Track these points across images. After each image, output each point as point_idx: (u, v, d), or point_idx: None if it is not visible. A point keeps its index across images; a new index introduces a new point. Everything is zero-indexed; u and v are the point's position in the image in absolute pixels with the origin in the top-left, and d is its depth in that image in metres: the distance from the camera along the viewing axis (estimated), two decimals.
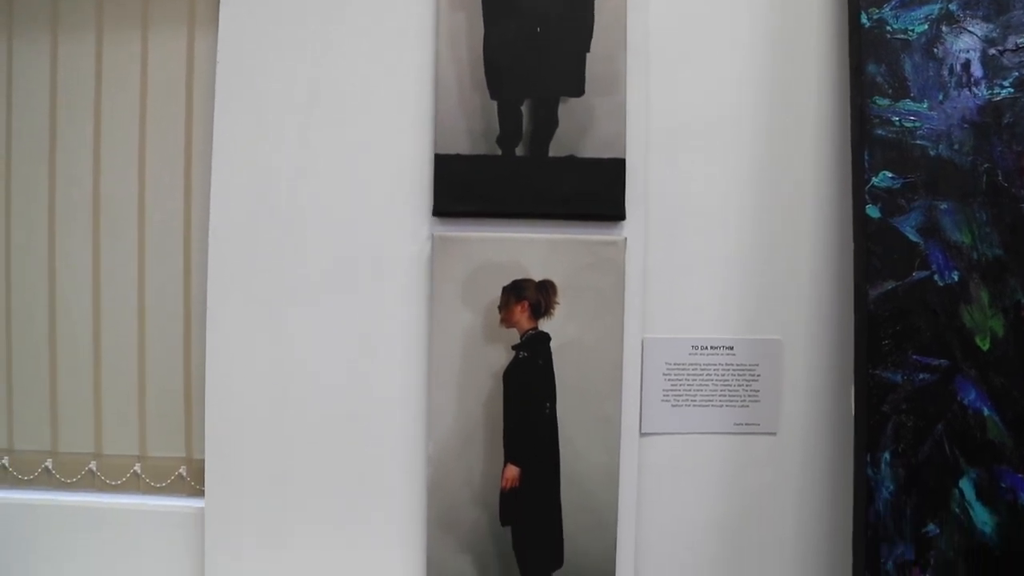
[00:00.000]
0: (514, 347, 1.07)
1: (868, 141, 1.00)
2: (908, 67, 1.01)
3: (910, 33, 1.01)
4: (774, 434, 1.11)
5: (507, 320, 1.07)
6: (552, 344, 1.07)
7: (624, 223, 1.08)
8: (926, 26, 1.01)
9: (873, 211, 1.00)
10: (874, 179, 1.00)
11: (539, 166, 1.07)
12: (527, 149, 1.07)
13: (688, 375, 1.10)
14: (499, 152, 1.07)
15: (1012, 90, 1.00)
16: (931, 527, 0.97)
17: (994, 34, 1.01)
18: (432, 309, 1.08)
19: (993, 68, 1.01)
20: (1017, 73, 1.00)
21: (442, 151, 1.08)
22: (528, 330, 1.07)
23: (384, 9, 1.10)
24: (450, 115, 1.08)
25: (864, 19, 1.02)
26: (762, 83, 1.10)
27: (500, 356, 1.07)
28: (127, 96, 1.19)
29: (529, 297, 1.07)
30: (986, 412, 0.97)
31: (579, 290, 1.07)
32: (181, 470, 1.20)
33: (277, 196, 1.11)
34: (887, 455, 0.97)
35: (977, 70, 1.01)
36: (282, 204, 1.11)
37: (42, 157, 1.21)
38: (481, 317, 1.07)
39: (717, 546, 1.11)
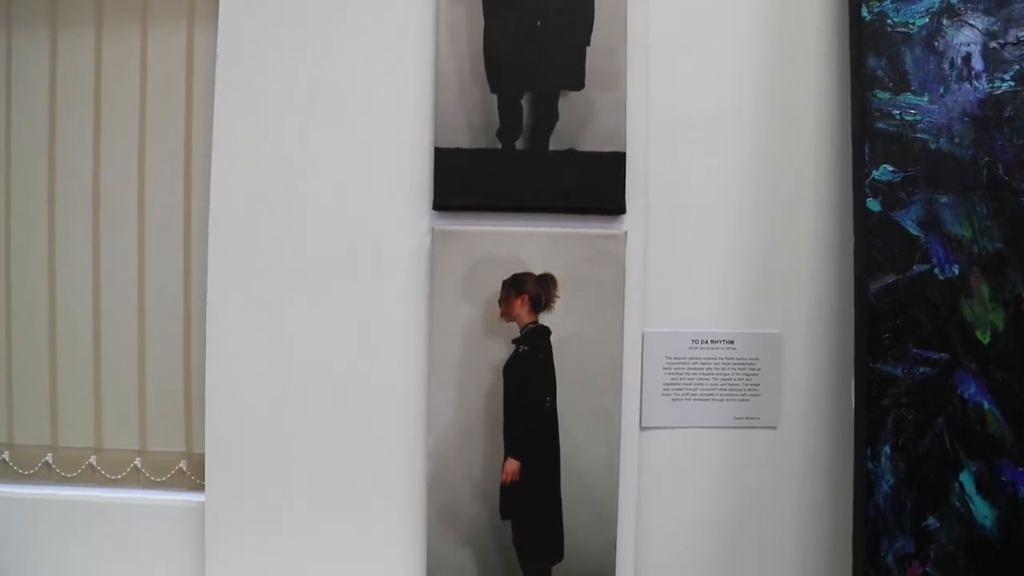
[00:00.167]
0: (514, 341, 1.07)
1: (869, 134, 1.00)
2: (909, 60, 1.01)
3: (911, 26, 1.01)
4: (774, 428, 1.11)
5: (507, 314, 1.07)
6: (552, 338, 1.07)
7: (624, 217, 1.08)
8: (927, 19, 1.01)
9: (874, 204, 1.00)
10: (875, 173, 1.00)
11: (539, 160, 1.07)
12: (527, 143, 1.07)
13: (688, 369, 1.10)
14: (499, 146, 1.07)
15: (1013, 83, 1.00)
16: (931, 521, 0.97)
17: (995, 27, 1.01)
18: (432, 303, 1.08)
19: (994, 61, 1.01)
20: (1018, 66, 1.00)
21: (442, 145, 1.08)
22: (528, 324, 1.07)
23: (384, 3, 1.10)
24: (450, 109, 1.08)
25: (865, 12, 1.02)
26: (762, 77, 1.10)
27: (500, 350, 1.07)
28: (127, 91, 1.19)
29: (529, 291, 1.07)
30: (986, 406, 0.97)
31: (579, 284, 1.07)
32: (181, 464, 1.20)
33: (277, 191, 1.11)
34: (887, 449, 0.97)
35: (978, 63, 1.01)
36: (282, 199, 1.11)
37: (42, 152, 1.20)
38: (481, 311, 1.07)
39: (717, 540, 1.11)
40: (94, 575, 1.17)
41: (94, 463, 1.21)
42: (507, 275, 1.07)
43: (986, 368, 0.98)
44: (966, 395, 0.98)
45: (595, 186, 1.07)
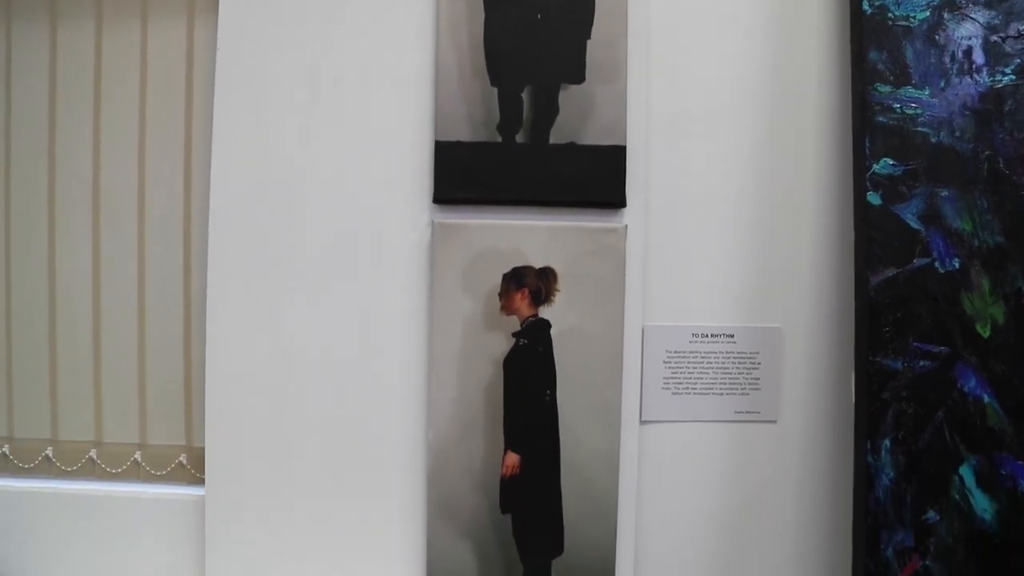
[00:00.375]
0: (514, 334, 1.07)
1: (869, 128, 1.00)
2: (910, 54, 1.01)
3: (912, 20, 1.01)
4: (774, 422, 1.11)
5: (507, 307, 1.07)
6: (552, 331, 1.07)
7: (624, 210, 1.08)
8: (928, 13, 1.01)
9: (874, 198, 1.00)
10: (875, 166, 1.00)
11: (539, 153, 1.07)
12: (527, 136, 1.07)
13: (688, 363, 1.10)
14: (499, 139, 1.07)
15: (1014, 77, 1.00)
16: (931, 514, 0.97)
17: (996, 21, 1.01)
18: (432, 297, 1.08)
19: (995, 55, 1.00)
20: (1019, 60, 1.00)
21: (442, 138, 1.08)
22: (528, 317, 1.07)
23: None
24: (450, 102, 1.07)
25: (866, 6, 1.02)
26: (763, 71, 1.10)
27: (500, 343, 1.07)
28: (127, 85, 1.19)
29: (529, 284, 1.07)
30: (986, 399, 0.97)
31: (579, 277, 1.07)
32: (181, 458, 1.20)
33: (277, 185, 1.11)
34: (887, 442, 0.97)
35: (979, 57, 1.01)
36: (282, 193, 1.11)
37: (41, 147, 1.20)
38: (481, 304, 1.07)
39: (717, 534, 1.11)
40: (94, 569, 1.17)
41: (94, 457, 1.21)
42: (507, 268, 1.07)
43: (986, 362, 0.98)
44: (966, 389, 0.98)
45: (595, 179, 1.07)
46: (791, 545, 1.11)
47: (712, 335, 1.10)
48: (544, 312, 1.07)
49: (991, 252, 0.99)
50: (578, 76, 1.07)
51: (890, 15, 1.01)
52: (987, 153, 0.99)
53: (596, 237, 1.07)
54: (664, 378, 1.10)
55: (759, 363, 1.10)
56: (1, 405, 1.22)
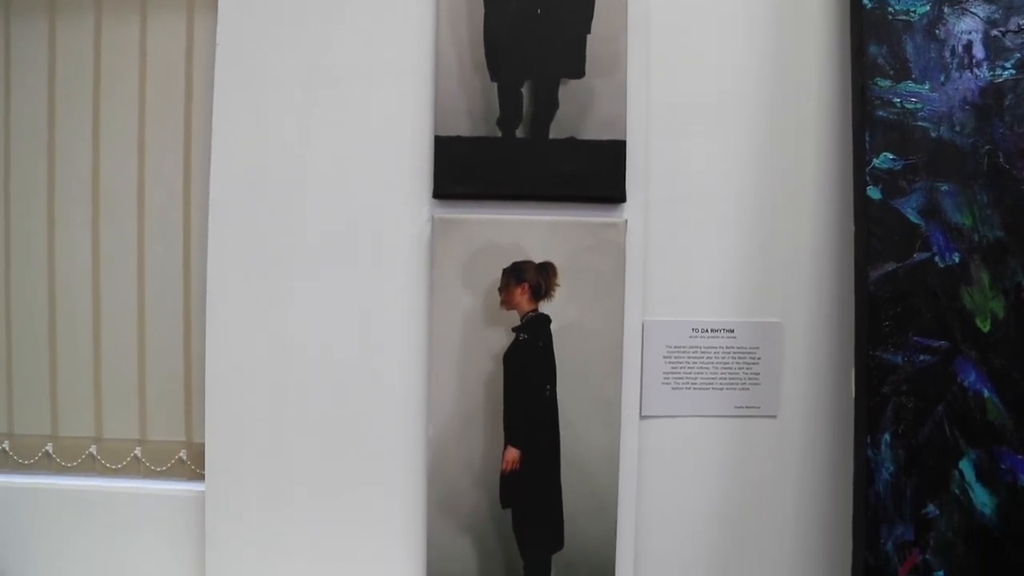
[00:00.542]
0: (514, 329, 1.07)
1: (869, 122, 1.00)
2: (910, 48, 1.01)
3: (912, 14, 1.01)
4: (774, 417, 1.11)
5: (507, 302, 1.07)
6: (552, 326, 1.07)
7: (625, 205, 1.08)
8: (928, 7, 1.01)
9: (874, 193, 1.00)
10: (875, 161, 1.00)
11: (539, 148, 1.07)
12: (527, 131, 1.07)
13: (688, 358, 1.10)
14: (499, 134, 1.07)
15: (1014, 71, 1.00)
16: (931, 508, 0.97)
17: (996, 15, 1.01)
18: (432, 291, 1.08)
19: (995, 49, 1.00)
20: (1019, 54, 1.00)
21: (442, 133, 1.07)
22: (528, 312, 1.07)
23: None
24: (450, 97, 1.07)
25: (866, 0, 1.01)
26: (763, 65, 1.10)
27: (500, 338, 1.07)
28: (126, 79, 1.19)
29: (529, 279, 1.07)
30: (986, 393, 0.98)
31: (579, 272, 1.07)
32: (181, 454, 1.20)
33: (277, 180, 1.11)
34: (887, 436, 0.98)
35: (979, 51, 1.01)
36: (282, 187, 1.11)
37: (41, 144, 1.20)
38: (481, 299, 1.07)
39: (717, 528, 1.11)
40: (94, 565, 1.17)
41: (94, 452, 1.21)
42: (507, 263, 1.07)
43: (986, 356, 0.98)
44: (966, 383, 0.98)
45: (595, 174, 1.07)
46: (791, 539, 1.11)
47: (712, 330, 1.10)
48: (544, 307, 1.07)
49: (991, 246, 0.99)
50: (578, 70, 1.07)
51: (890, 9, 1.01)
52: (987, 148, 0.99)
53: (596, 232, 1.07)
54: (664, 373, 1.10)
55: (759, 358, 1.10)
56: (1, 401, 1.22)
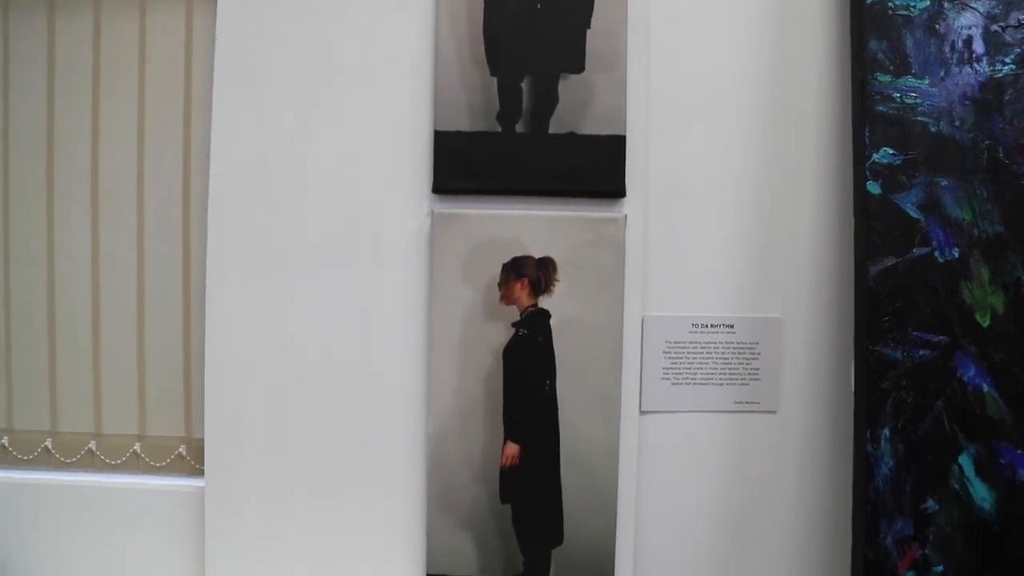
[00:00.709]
0: (514, 324, 1.07)
1: (869, 117, 1.00)
2: (910, 43, 1.01)
3: (912, 9, 1.01)
4: (774, 412, 1.11)
5: (507, 297, 1.07)
6: (552, 321, 1.07)
7: (624, 200, 1.08)
8: (928, 2, 1.01)
9: (874, 187, 1.00)
10: (875, 155, 1.00)
11: (539, 143, 1.07)
12: (527, 126, 1.07)
13: (688, 353, 1.10)
14: (499, 129, 1.07)
15: (1014, 67, 1.00)
16: (930, 503, 0.97)
17: (996, 10, 1.01)
18: (432, 287, 1.08)
19: (995, 44, 1.00)
20: (1019, 49, 1.00)
21: (442, 128, 1.07)
22: (528, 307, 1.07)
23: None
24: (450, 92, 1.07)
25: None
26: (763, 61, 1.10)
27: (500, 333, 1.07)
28: (125, 73, 1.19)
29: (529, 274, 1.07)
30: (985, 388, 0.98)
31: (579, 267, 1.07)
32: (181, 449, 1.20)
33: (276, 175, 1.11)
34: (887, 431, 0.98)
35: (979, 46, 1.01)
36: (281, 182, 1.11)
37: (40, 139, 1.20)
38: (481, 294, 1.07)
39: (717, 523, 1.11)
40: (94, 560, 1.17)
41: (94, 448, 1.20)
42: (507, 258, 1.07)
43: (985, 351, 0.98)
44: (965, 378, 0.98)
45: (595, 169, 1.07)
46: (791, 534, 1.11)
47: (712, 325, 1.10)
48: (544, 302, 1.07)
49: (991, 242, 0.99)
50: (578, 65, 1.07)
51: (890, 4, 1.01)
52: (987, 143, 0.99)
53: (596, 227, 1.07)
54: (664, 368, 1.10)
55: (759, 353, 1.10)
56: (1, 397, 1.22)
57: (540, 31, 1.07)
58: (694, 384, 1.10)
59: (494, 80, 1.07)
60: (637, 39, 1.08)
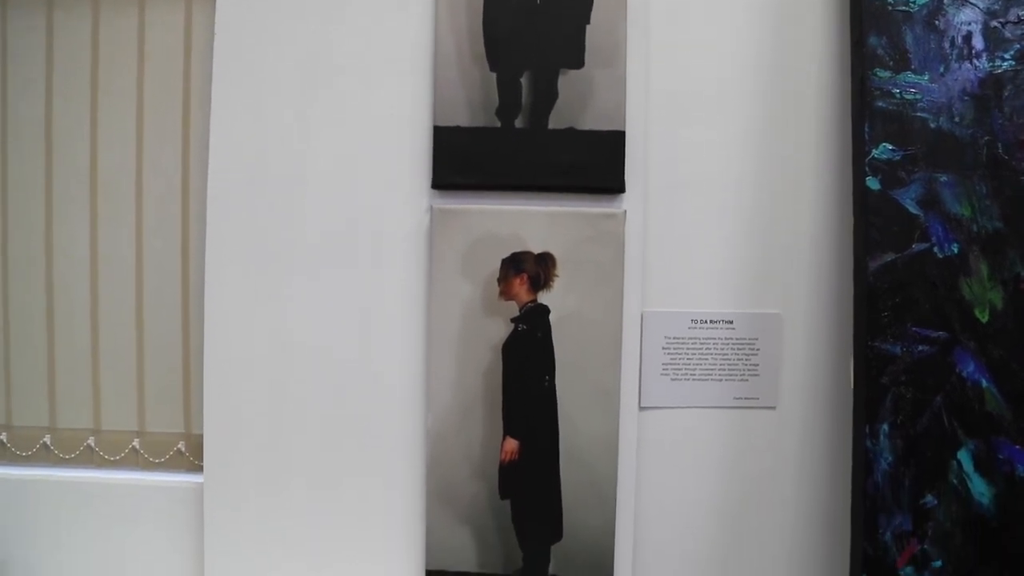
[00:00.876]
0: (513, 320, 1.07)
1: (869, 113, 1.00)
2: (909, 39, 1.01)
3: (912, 5, 1.01)
4: (774, 408, 1.11)
5: (506, 293, 1.07)
6: (551, 317, 1.07)
7: (624, 196, 1.08)
8: None
9: (873, 183, 1.00)
10: (874, 151, 1.00)
11: (538, 138, 1.07)
12: (526, 121, 1.07)
13: (687, 349, 1.10)
14: (498, 124, 1.07)
15: (1013, 62, 1.00)
16: (929, 498, 0.97)
17: (996, 6, 1.01)
18: (431, 282, 1.08)
19: (994, 40, 1.00)
20: (1019, 45, 1.00)
21: (441, 123, 1.07)
22: (527, 303, 1.07)
23: None
24: (449, 87, 1.07)
25: None
26: (763, 56, 1.10)
27: (499, 329, 1.07)
28: (124, 72, 1.19)
29: (528, 270, 1.07)
30: (984, 384, 0.98)
31: (578, 263, 1.07)
32: (180, 445, 1.20)
33: (275, 170, 1.11)
34: (886, 427, 0.98)
35: (978, 42, 1.00)
36: (280, 178, 1.11)
37: (39, 136, 1.20)
38: (480, 290, 1.07)
39: (716, 519, 1.12)
40: (93, 556, 1.17)
41: (92, 444, 1.20)
42: (506, 254, 1.07)
43: (984, 346, 0.98)
44: (964, 373, 0.98)
45: (595, 165, 1.07)
46: (790, 530, 1.11)
47: (711, 321, 1.10)
48: (543, 298, 1.07)
49: (990, 237, 0.99)
50: (577, 61, 1.07)
51: (890, 0, 1.01)
52: (986, 138, 0.99)
53: (595, 222, 1.07)
54: (663, 364, 1.10)
55: (758, 349, 1.10)
56: None
57: (539, 26, 1.07)
58: (693, 380, 1.10)
59: (493, 75, 1.07)
60: (636, 35, 1.08)
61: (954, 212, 0.99)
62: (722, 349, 1.10)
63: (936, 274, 0.99)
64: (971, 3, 1.01)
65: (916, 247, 0.99)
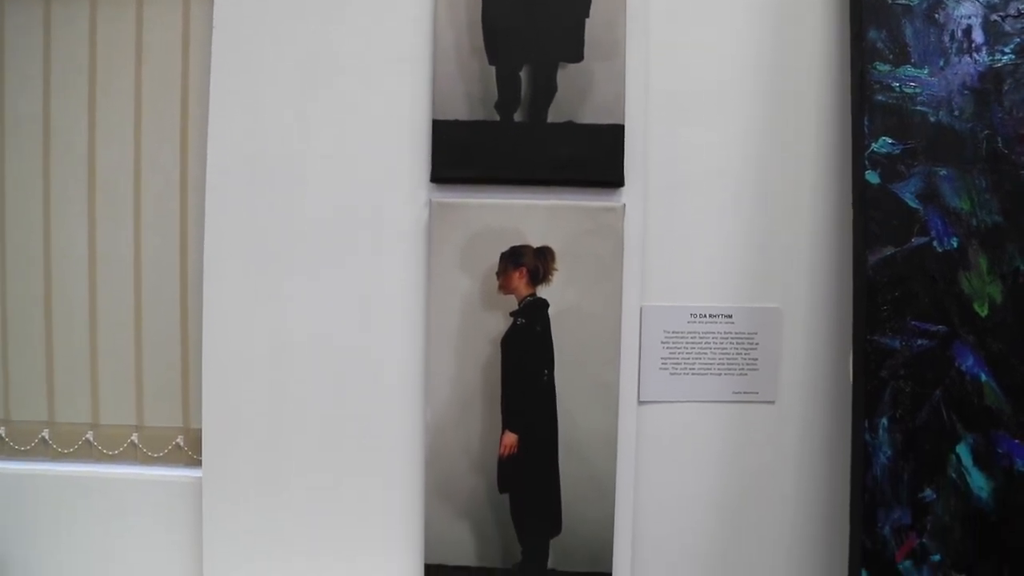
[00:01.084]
0: (512, 314, 1.07)
1: (868, 107, 1.00)
2: (909, 33, 1.01)
3: None
4: (773, 402, 1.11)
5: (505, 287, 1.07)
6: (550, 311, 1.07)
7: (623, 189, 1.08)
8: None
9: (872, 177, 0.99)
10: (874, 145, 1.00)
11: (538, 132, 1.06)
12: (526, 115, 1.07)
13: (687, 343, 1.10)
14: (497, 118, 1.07)
15: (1013, 56, 1.00)
16: (928, 492, 0.97)
17: (996, 0, 1.00)
18: (430, 276, 1.08)
19: (994, 34, 1.00)
20: (1019, 39, 1.00)
21: (440, 117, 1.07)
22: (526, 297, 1.07)
23: None
24: (448, 80, 1.07)
25: None
26: (762, 49, 1.09)
27: (498, 323, 1.07)
28: (122, 68, 1.18)
29: (527, 263, 1.07)
30: (984, 378, 0.98)
31: (577, 257, 1.07)
32: (178, 440, 1.20)
33: (274, 164, 1.11)
34: (885, 421, 0.98)
35: (978, 36, 1.00)
36: (279, 171, 1.11)
37: (36, 132, 1.19)
38: (479, 284, 1.07)
39: (715, 513, 1.12)
40: (91, 551, 1.17)
41: (91, 439, 1.20)
42: (505, 247, 1.07)
43: (984, 341, 0.98)
44: (964, 367, 0.98)
45: (594, 158, 1.07)
46: (789, 524, 1.11)
47: (710, 315, 1.10)
48: (542, 291, 1.07)
49: (989, 231, 0.99)
50: (576, 54, 1.06)
51: None
52: (986, 132, 0.99)
53: (594, 216, 1.07)
54: (662, 358, 1.10)
55: (757, 343, 1.10)
56: None
57: (539, 20, 1.07)
58: (692, 374, 1.10)
59: (493, 69, 1.07)
60: (636, 28, 1.08)
61: (954, 206, 0.99)
62: (721, 343, 1.10)
63: (935, 268, 0.99)
64: None
65: (915, 241, 0.99)
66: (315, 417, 1.11)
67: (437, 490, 1.08)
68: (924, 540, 0.97)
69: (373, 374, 1.10)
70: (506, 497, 1.08)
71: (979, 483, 0.97)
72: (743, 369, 1.10)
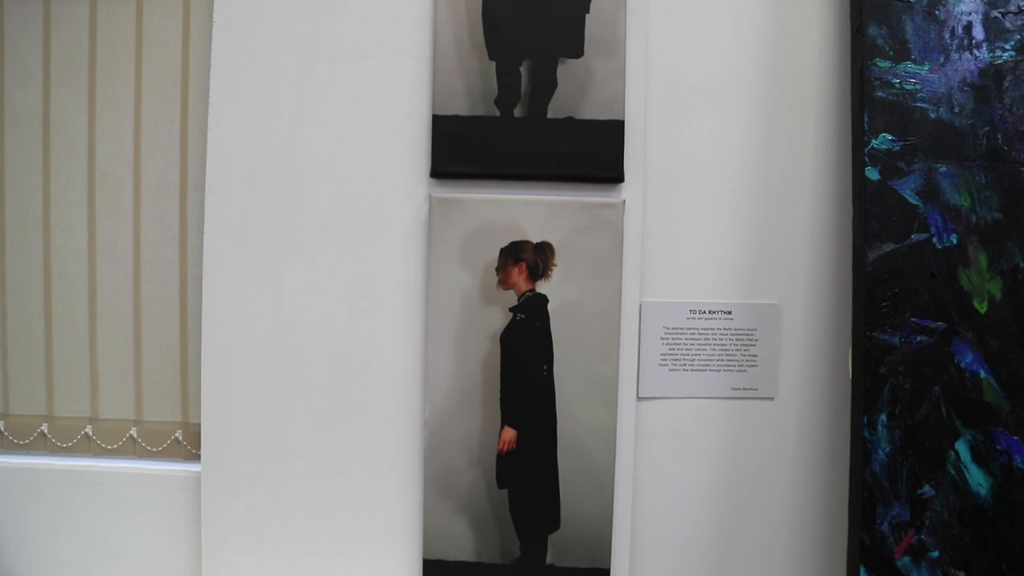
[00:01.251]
0: (511, 309, 1.07)
1: (868, 103, 1.00)
2: (909, 29, 1.01)
3: None
4: (772, 399, 1.11)
5: (504, 282, 1.07)
6: (549, 306, 1.07)
7: (623, 185, 1.08)
8: None
9: (872, 173, 0.99)
10: (874, 141, 1.00)
11: (537, 128, 1.06)
12: (526, 110, 1.07)
13: (686, 339, 1.10)
14: (497, 113, 1.07)
15: (1013, 53, 1.00)
16: (927, 488, 0.97)
17: None
18: (429, 271, 1.08)
19: (995, 31, 1.00)
20: (1019, 36, 1.00)
21: (440, 112, 1.07)
22: (525, 292, 1.07)
23: None
24: (448, 76, 1.07)
25: None
26: (762, 46, 1.09)
27: (497, 318, 1.07)
28: (123, 59, 1.18)
29: (527, 259, 1.07)
30: (983, 375, 0.98)
31: (577, 252, 1.07)
32: (177, 434, 1.20)
33: (273, 159, 1.11)
34: (884, 417, 0.98)
35: (979, 33, 1.00)
36: (278, 168, 1.11)
37: (37, 123, 1.19)
38: (479, 279, 1.07)
39: (714, 509, 1.12)
40: (90, 545, 1.17)
41: (90, 433, 1.20)
42: (505, 243, 1.07)
43: (983, 337, 0.98)
44: (963, 364, 0.98)
45: (594, 154, 1.07)
46: (788, 520, 1.11)
47: (710, 312, 1.10)
48: (541, 287, 1.07)
49: (989, 228, 0.99)
50: (576, 50, 1.06)
51: None
52: (986, 129, 0.99)
53: (594, 212, 1.07)
54: (662, 354, 1.10)
55: (757, 340, 1.10)
56: None
57: (539, 15, 1.07)
58: (692, 370, 1.10)
59: (492, 64, 1.07)
60: (636, 24, 1.08)
61: (953, 202, 0.99)
62: (720, 340, 1.10)
63: (935, 264, 0.98)
64: None
65: (915, 237, 0.99)
66: (314, 413, 1.11)
67: (436, 485, 1.09)
68: (923, 536, 0.97)
69: (372, 369, 1.10)
70: (505, 492, 1.08)
71: (978, 479, 0.97)
72: (742, 365, 1.10)
